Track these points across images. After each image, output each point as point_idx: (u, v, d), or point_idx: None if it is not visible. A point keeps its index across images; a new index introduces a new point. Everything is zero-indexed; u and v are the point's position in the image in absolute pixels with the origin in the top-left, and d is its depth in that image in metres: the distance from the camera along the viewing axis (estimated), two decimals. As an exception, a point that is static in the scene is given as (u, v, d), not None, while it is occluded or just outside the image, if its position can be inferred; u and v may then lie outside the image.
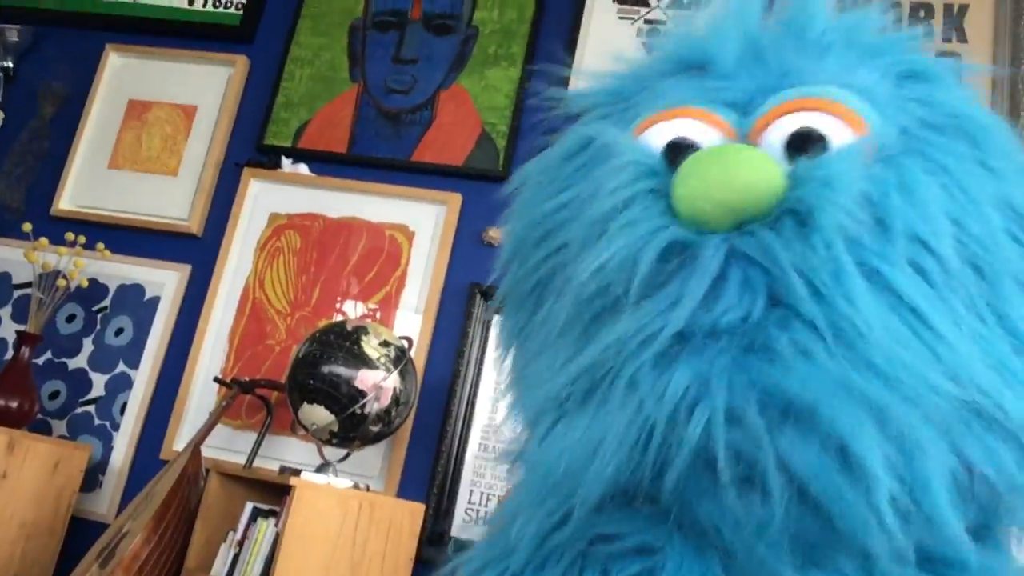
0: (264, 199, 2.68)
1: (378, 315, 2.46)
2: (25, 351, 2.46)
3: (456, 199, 2.51)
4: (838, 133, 0.49)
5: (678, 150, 0.52)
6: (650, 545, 0.47)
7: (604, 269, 0.47)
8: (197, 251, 2.70)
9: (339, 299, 2.52)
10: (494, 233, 2.40)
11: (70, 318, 2.73)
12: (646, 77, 0.60)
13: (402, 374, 2.05)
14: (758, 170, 0.46)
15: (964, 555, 0.43)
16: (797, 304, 0.44)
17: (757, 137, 0.51)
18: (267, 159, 2.71)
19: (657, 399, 0.43)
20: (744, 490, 0.42)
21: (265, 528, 1.90)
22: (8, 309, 2.81)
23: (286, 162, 2.69)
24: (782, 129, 0.50)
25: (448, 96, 2.64)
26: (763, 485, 0.42)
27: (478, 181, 2.52)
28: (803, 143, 0.49)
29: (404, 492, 2.24)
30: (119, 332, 2.68)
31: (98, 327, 2.70)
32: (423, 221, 2.53)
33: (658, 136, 0.54)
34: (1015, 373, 0.45)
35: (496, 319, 0.59)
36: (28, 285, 2.73)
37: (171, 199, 2.77)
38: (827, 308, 0.43)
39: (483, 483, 2.24)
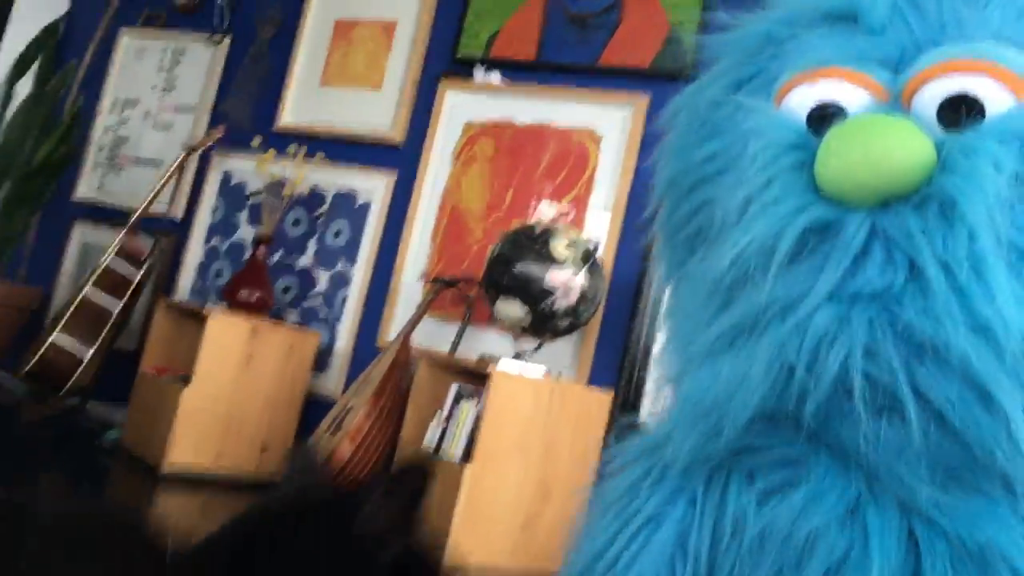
0: (459, 109, 2.84)
1: (570, 216, 2.57)
2: (260, 250, 2.82)
3: (644, 101, 2.54)
4: (996, 98, 0.46)
5: (823, 116, 0.50)
6: (794, 458, 0.51)
7: (744, 254, 0.49)
8: (401, 160, 2.93)
9: (530, 202, 2.66)
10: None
11: (295, 222, 3.07)
12: (797, 22, 0.57)
13: (590, 272, 2.16)
14: (904, 149, 0.45)
15: None
16: (940, 287, 0.44)
17: (910, 98, 0.49)
18: (461, 69, 2.85)
19: (801, 334, 0.46)
20: (884, 416, 0.45)
21: (468, 409, 2.11)
22: (244, 214, 3.19)
23: (478, 72, 2.81)
24: (936, 91, 0.48)
25: (634, -4, 2.64)
26: (901, 412, 0.44)
27: (666, 81, 2.53)
28: (958, 108, 0.47)
29: (594, 381, 2.39)
30: (337, 234, 2.98)
31: (319, 230, 3.02)
32: (611, 124, 2.59)
33: (802, 100, 0.52)
34: None
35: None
36: (259, 194, 3.08)
37: (376, 112, 3.00)
38: (963, 300, 0.43)
39: (667, 376, 2.34)
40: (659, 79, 2.54)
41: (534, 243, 2.15)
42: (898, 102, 0.49)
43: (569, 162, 2.63)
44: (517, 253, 2.15)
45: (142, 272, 2.94)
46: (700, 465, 0.56)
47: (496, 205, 2.72)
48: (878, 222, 0.46)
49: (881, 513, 0.47)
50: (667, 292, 0.67)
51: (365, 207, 2.96)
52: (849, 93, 0.50)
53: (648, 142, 2.52)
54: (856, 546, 0.47)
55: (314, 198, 3.03)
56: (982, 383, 0.43)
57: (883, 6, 0.51)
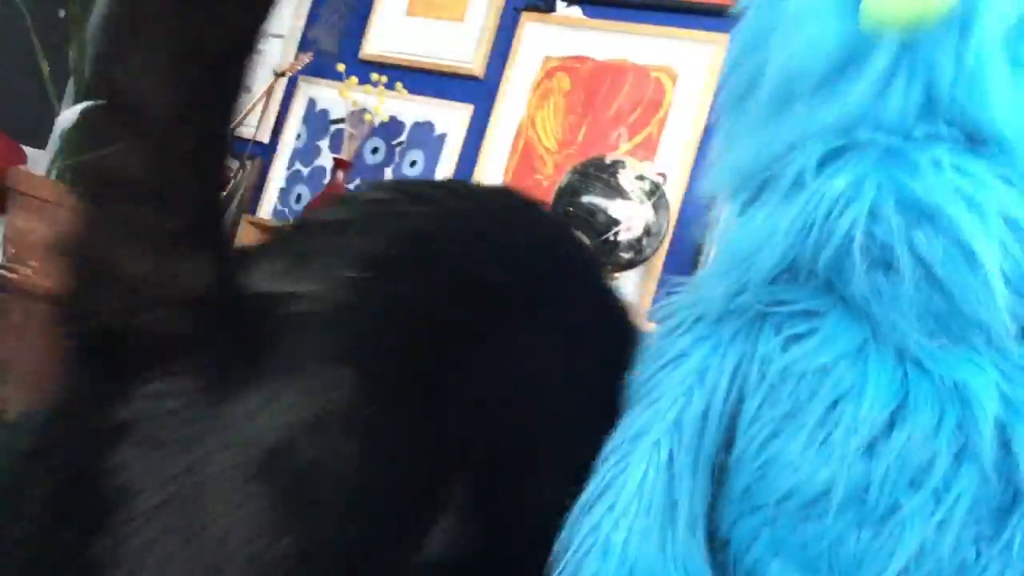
0: (538, 42, 2.84)
1: (640, 155, 2.57)
2: (340, 175, 2.90)
3: (724, 39, 2.50)
4: None
5: None
6: (815, 310, 0.59)
7: (791, 58, 0.57)
8: (479, 92, 2.96)
9: (604, 138, 2.66)
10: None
11: (374, 150, 3.14)
12: None
13: (655, 207, 2.17)
14: None
15: None
16: (946, 97, 0.52)
17: None
18: (543, 3, 2.85)
19: (820, 197, 0.55)
20: (883, 271, 0.54)
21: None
22: (326, 141, 3.28)
23: (560, 5, 2.81)
24: None
25: (723, -69, 2.58)
26: (898, 268, 0.53)
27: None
28: None
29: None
30: (413, 164, 3.05)
31: (396, 159, 3.09)
32: (690, 63, 2.56)
33: None
34: None
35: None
36: (341, 120, 3.17)
37: (458, 43, 3.02)
38: (967, 102, 0.51)
39: (729, 318, 2.34)
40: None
41: (602, 173, 2.16)
42: None
43: (645, 98, 2.61)
44: (584, 184, 2.17)
45: (227, 191, 3.07)
46: (732, 317, 0.64)
47: (570, 141, 2.73)
48: (905, 45, 0.53)
49: (880, 356, 0.55)
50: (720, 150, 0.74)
51: (442, 138, 3.01)
52: None
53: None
54: (857, 381, 0.56)
55: (393, 127, 3.09)
56: (965, 241, 0.51)
57: None
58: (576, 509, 0.64)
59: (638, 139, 2.60)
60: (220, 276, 0.47)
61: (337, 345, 0.49)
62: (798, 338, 0.59)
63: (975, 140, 0.52)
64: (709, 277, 0.67)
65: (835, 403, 0.56)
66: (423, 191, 0.67)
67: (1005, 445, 0.52)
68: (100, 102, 0.44)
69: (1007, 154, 0.52)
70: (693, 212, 2.45)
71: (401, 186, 0.71)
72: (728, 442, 0.64)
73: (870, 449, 0.54)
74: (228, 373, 0.45)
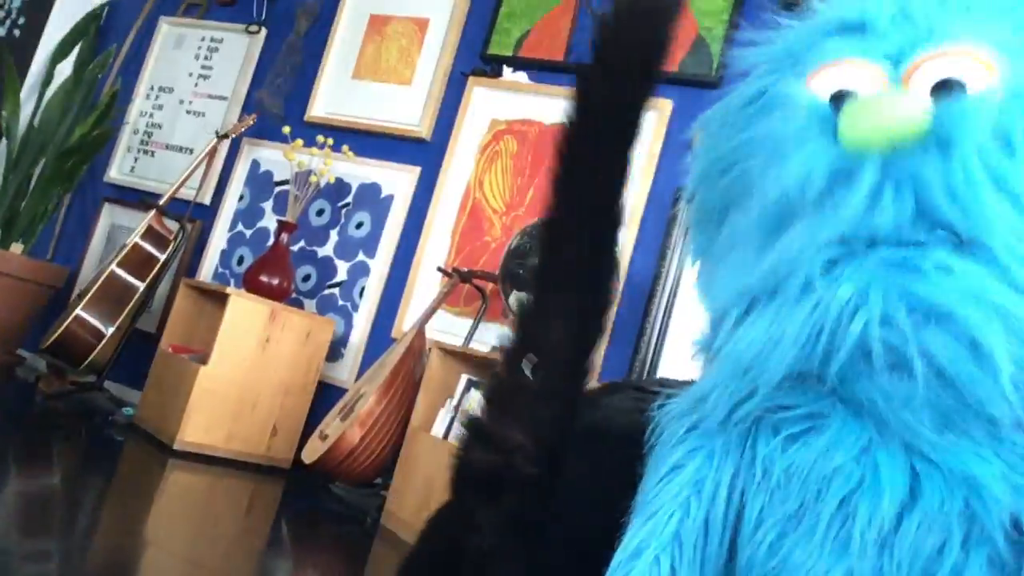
0: (486, 106, 2.87)
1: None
2: (284, 237, 2.86)
3: (667, 105, 2.56)
4: (974, 78, 0.58)
5: (842, 97, 0.62)
6: (818, 412, 0.60)
7: (785, 183, 0.59)
8: (426, 154, 2.96)
9: (551, 201, 2.68)
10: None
11: (319, 212, 3.11)
12: (811, 35, 0.68)
13: (605, 269, 2.17)
14: (907, 109, 0.57)
15: None
16: (939, 209, 0.54)
17: (907, 82, 0.60)
18: (490, 68, 2.89)
19: (827, 305, 0.56)
20: (894, 373, 0.55)
21: (478, 397, 2.13)
22: (270, 202, 3.24)
23: (507, 71, 2.85)
24: (928, 76, 0.59)
25: (664, 2, 2.66)
26: (909, 369, 0.54)
27: (690, 87, 2.54)
28: (945, 87, 0.58)
29: (604, 377, 2.40)
30: (359, 225, 3.02)
31: (342, 220, 3.06)
32: (634, 127, 2.60)
33: (825, 84, 0.64)
34: None
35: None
36: (286, 182, 3.13)
37: (405, 106, 3.04)
38: (962, 209, 0.54)
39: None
40: (684, 84, 2.55)
41: (551, 237, 2.16)
42: (899, 85, 0.61)
43: (591, 162, 2.64)
44: (533, 246, 2.17)
45: (167, 254, 2.99)
46: (727, 425, 0.65)
47: (517, 203, 2.75)
48: (889, 161, 0.56)
49: (889, 452, 0.57)
50: (697, 267, 0.77)
51: (389, 199, 2.99)
52: (861, 78, 0.62)
53: (669, 146, 2.53)
54: (868, 477, 0.56)
55: (339, 188, 3.07)
56: (973, 336, 0.53)
57: (885, 17, 0.64)
58: None
59: (585, 201, 2.62)
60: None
61: None
62: (797, 437, 0.60)
63: (968, 243, 0.55)
64: (709, 388, 0.66)
65: (845, 500, 0.56)
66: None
67: (1017, 528, 0.53)
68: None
69: (996, 260, 0.54)
70: (640, 276, 2.46)
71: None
72: (732, 553, 0.63)
73: (883, 543, 0.55)
74: None
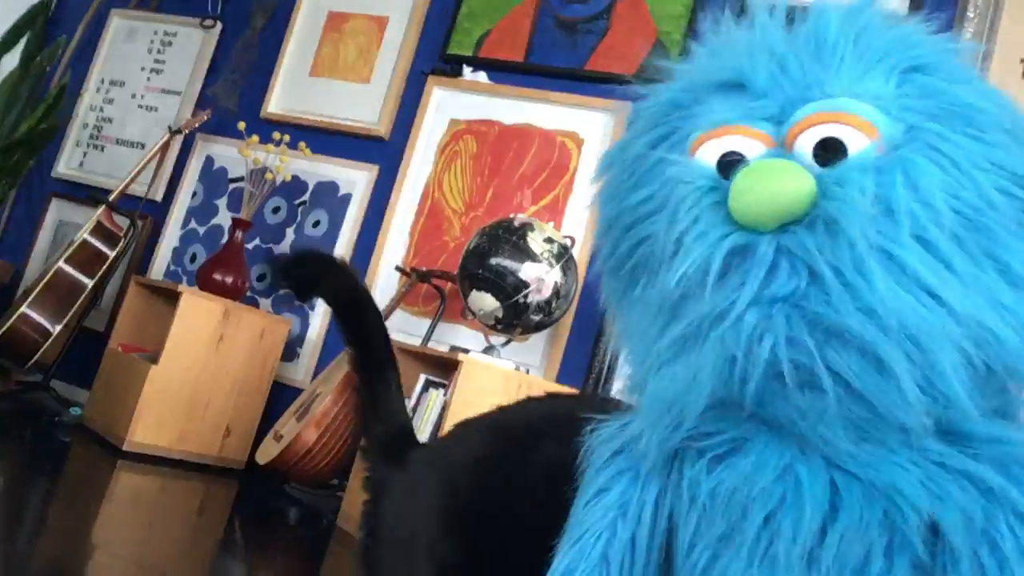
0: (445, 105, 2.86)
1: (546, 217, 2.59)
2: (238, 235, 2.81)
3: (627, 107, 2.57)
4: (854, 140, 0.62)
5: (729, 163, 0.66)
6: (740, 436, 0.63)
7: (685, 275, 0.62)
8: (385, 153, 2.94)
9: (511, 201, 2.68)
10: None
11: (275, 210, 3.06)
12: (697, 89, 0.72)
13: (564, 270, 2.18)
14: (794, 183, 0.60)
15: (974, 426, 0.58)
16: (831, 290, 0.58)
17: (792, 142, 0.64)
18: (450, 67, 2.88)
19: (736, 334, 0.59)
20: (805, 390, 0.58)
21: (435, 397, 2.12)
22: (224, 200, 3.19)
23: (467, 70, 2.84)
24: (810, 138, 0.63)
25: (625, 4, 2.68)
26: (819, 386, 0.57)
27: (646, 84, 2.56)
28: (827, 149, 0.63)
29: (562, 380, 2.40)
30: (316, 224, 2.98)
31: (298, 219, 3.02)
32: (593, 129, 2.62)
33: (711, 152, 0.67)
34: (1009, 308, 0.58)
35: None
36: (241, 180, 3.08)
37: (363, 105, 3.01)
38: (853, 293, 0.57)
39: (636, 379, 2.36)
40: (644, 84, 2.57)
41: (511, 236, 2.16)
42: (783, 147, 0.65)
43: (551, 163, 2.65)
44: (494, 246, 2.17)
45: (117, 251, 2.92)
46: (658, 454, 0.68)
47: (476, 203, 2.74)
48: (782, 242, 0.59)
49: (810, 468, 0.59)
50: (613, 319, 0.79)
51: (346, 198, 2.96)
52: (746, 144, 0.65)
53: (630, 147, 2.55)
54: (789, 493, 0.59)
55: (296, 186, 3.03)
56: (875, 353, 0.56)
57: (763, 77, 0.67)
58: None
59: (544, 202, 2.63)
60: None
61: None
62: (722, 458, 0.63)
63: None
64: (638, 430, 0.69)
65: (769, 518, 0.59)
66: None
67: (934, 532, 0.55)
68: None
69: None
70: (598, 276, 2.47)
71: None
72: (665, 573, 0.66)
73: (810, 556, 0.57)
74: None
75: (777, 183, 0.60)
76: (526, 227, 2.19)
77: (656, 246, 0.68)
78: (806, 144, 0.62)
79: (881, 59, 0.66)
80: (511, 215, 2.35)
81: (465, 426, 0.97)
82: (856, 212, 0.58)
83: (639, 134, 0.76)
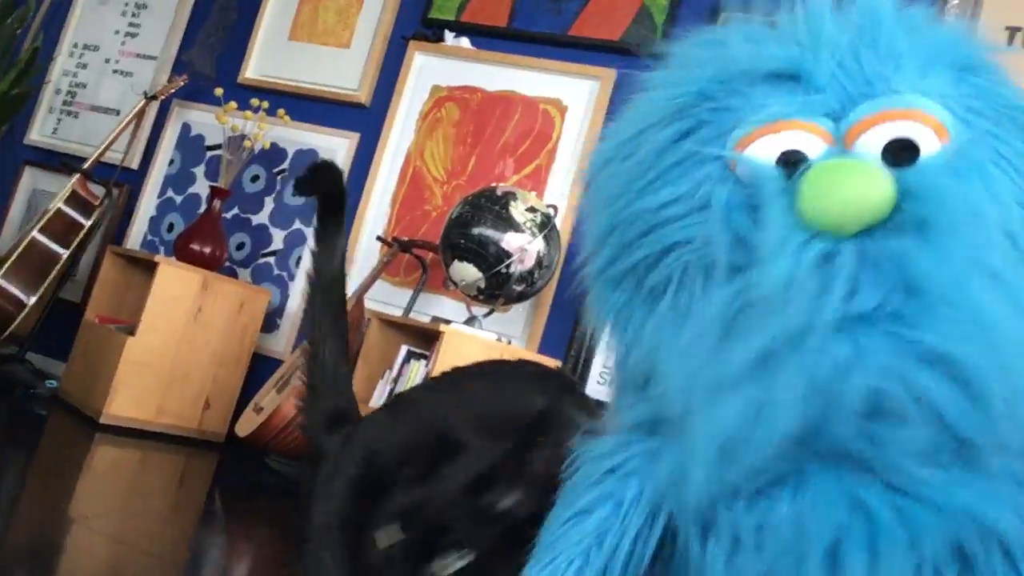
0: (427, 72, 2.80)
1: (529, 186, 2.56)
2: (216, 204, 2.76)
3: (610, 75, 2.53)
4: (926, 140, 0.57)
5: (790, 159, 0.59)
6: (787, 469, 0.55)
7: (767, 288, 0.55)
8: (365, 120, 2.88)
9: (493, 169, 2.64)
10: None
11: (254, 178, 3.01)
12: (734, 80, 0.64)
13: (546, 239, 2.15)
14: (872, 185, 0.54)
15: None
16: (929, 307, 0.52)
17: (852, 141, 0.59)
18: (431, 32, 2.82)
19: (819, 362, 0.52)
20: (891, 421, 0.52)
21: (417, 368, 2.09)
22: (202, 168, 3.13)
23: (449, 36, 2.78)
24: (877, 137, 0.58)
25: (609, -31, 2.62)
26: (906, 414, 0.51)
27: (634, 57, 2.52)
28: (898, 149, 0.57)
29: (544, 351, 2.39)
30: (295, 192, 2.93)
31: (278, 187, 2.97)
32: (577, 96, 2.58)
33: (767, 148, 0.60)
34: None
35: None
36: (218, 147, 3.02)
37: (343, 70, 2.95)
38: (956, 311, 0.51)
39: (619, 350, 2.34)
40: (628, 54, 2.53)
41: (494, 205, 2.13)
42: (841, 145, 0.59)
43: (534, 131, 2.61)
44: (476, 216, 2.13)
45: (92, 220, 2.86)
46: (703, 494, 0.60)
47: (458, 172, 2.70)
48: (865, 249, 0.54)
49: (877, 496, 0.54)
50: (610, 335, 0.71)
51: (326, 167, 2.91)
52: (807, 141, 0.59)
53: (613, 115, 2.51)
54: (855, 521, 0.53)
55: (275, 154, 2.98)
56: (978, 381, 0.50)
57: (822, 69, 0.61)
58: None
59: (527, 171, 2.59)
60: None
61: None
62: (762, 491, 0.56)
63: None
64: (691, 465, 0.60)
65: (833, 551, 0.53)
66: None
67: (1006, 553, 0.52)
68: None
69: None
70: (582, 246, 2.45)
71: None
72: None
73: None
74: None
75: (860, 186, 0.54)
76: (509, 196, 2.16)
77: (695, 254, 0.61)
78: (872, 143, 0.58)
79: (939, 56, 0.62)
80: (493, 184, 2.31)
81: (400, 400, 0.98)
82: (949, 214, 0.53)
83: (653, 128, 0.67)
